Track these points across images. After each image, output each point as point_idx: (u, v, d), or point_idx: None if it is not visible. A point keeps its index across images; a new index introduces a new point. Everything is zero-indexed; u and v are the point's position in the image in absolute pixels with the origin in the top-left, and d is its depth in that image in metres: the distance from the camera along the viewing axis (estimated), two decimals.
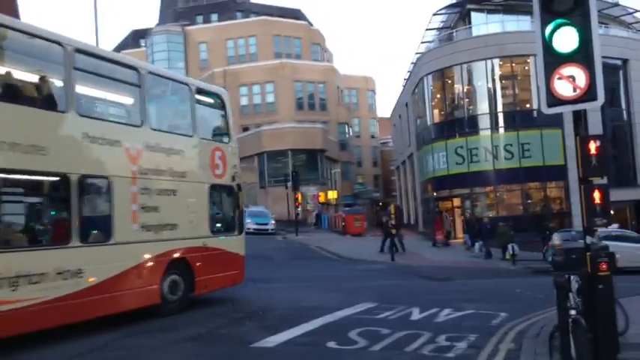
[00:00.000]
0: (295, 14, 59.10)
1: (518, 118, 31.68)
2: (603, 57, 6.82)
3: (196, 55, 53.75)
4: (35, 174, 7.84)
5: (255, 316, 9.77)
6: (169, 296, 9.84)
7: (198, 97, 10.91)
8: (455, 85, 33.84)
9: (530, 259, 22.72)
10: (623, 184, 32.34)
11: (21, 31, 7.81)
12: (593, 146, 6.38)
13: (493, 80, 32.06)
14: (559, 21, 6.33)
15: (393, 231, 23.19)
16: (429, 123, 34.91)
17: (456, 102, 33.88)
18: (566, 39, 6.29)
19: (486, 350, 7.60)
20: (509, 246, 22.80)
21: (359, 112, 61.38)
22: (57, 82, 8.34)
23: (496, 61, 31.97)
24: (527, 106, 31.99)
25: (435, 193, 34.08)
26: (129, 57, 10.55)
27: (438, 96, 34.79)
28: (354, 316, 9.83)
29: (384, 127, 61.41)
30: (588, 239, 6.55)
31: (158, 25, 57.63)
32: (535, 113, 30.25)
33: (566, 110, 6.48)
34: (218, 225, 11.17)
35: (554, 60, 6.34)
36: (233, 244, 11.46)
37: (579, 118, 6.59)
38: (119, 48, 56.29)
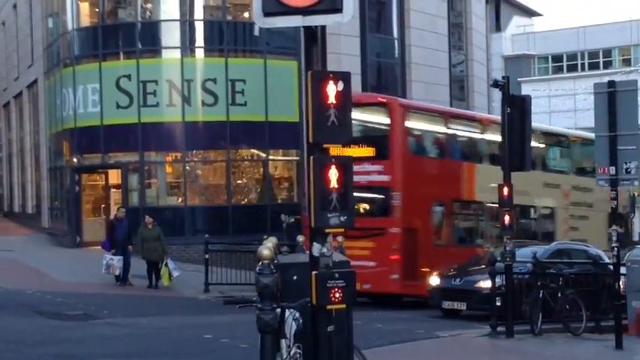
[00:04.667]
0: None
1: (230, 34, 33.13)
2: None
3: None
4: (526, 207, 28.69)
5: None
6: None
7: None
8: None
9: (238, 283, 24.08)
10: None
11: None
12: (332, 90, 6.91)
13: None
14: None
15: None
16: (70, 26, 34.58)
17: None
18: None
19: None
20: (168, 262, 23.97)
21: None
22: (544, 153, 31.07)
23: None
24: (246, 15, 33.62)
25: (75, 159, 34.10)
26: (564, 129, 38.61)
27: None
28: None
29: None
30: (316, 248, 7.08)
31: None
32: (258, 29, 31.86)
33: (293, 24, 6.92)
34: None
35: None
36: None
37: (314, 39, 7.09)
38: None
